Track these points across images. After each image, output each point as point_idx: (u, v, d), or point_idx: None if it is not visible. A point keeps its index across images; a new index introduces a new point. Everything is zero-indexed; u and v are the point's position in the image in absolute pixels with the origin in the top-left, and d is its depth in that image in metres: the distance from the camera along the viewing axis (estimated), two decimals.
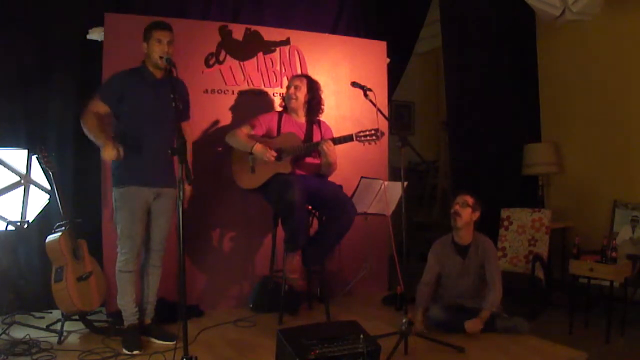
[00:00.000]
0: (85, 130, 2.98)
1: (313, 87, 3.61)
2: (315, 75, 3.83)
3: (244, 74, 4.01)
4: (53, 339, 3.10)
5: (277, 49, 4.13)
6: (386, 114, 3.99)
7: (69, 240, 3.16)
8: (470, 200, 3.36)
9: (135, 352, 2.89)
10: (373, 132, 3.37)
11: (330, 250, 3.59)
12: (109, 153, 2.88)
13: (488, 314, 3.20)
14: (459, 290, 3.38)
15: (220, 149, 3.81)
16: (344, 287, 4.24)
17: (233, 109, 3.97)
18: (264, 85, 4.08)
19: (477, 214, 3.38)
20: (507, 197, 4.83)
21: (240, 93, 4.00)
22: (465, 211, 3.34)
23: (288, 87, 3.66)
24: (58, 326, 3.17)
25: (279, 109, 3.80)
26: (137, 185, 2.97)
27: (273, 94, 4.10)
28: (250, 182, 3.51)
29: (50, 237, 3.16)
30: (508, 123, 5.07)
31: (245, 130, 3.53)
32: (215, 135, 3.85)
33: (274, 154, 3.37)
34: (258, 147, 3.37)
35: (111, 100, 2.97)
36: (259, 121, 3.58)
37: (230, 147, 3.57)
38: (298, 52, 4.18)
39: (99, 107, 2.99)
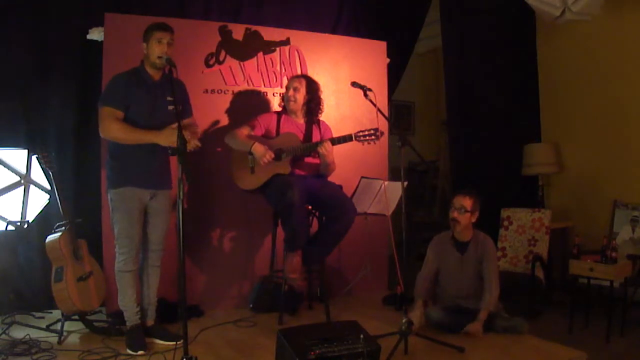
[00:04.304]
0: (125, 140, 2.90)
1: (312, 88, 3.60)
2: (315, 75, 3.83)
3: (244, 74, 4.01)
4: (53, 339, 3.09)
5: (277, 49, 4.13)
6: (386, 114, 3.99)
7: (69, 240, 3.16)
8: (467, 203, 3.31)
9: (139, 353, 2.89)
10: (372, 131, 3.36)
11: (330, 250, 3.58)
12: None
13: (486, 314, 3.20)
14: (457, 290, 3.38)
15: (219, 149, 3.81)
16: (344, 287, 4.24)
17: (233, 109, 3.97)
18: (264, 85, 4.09)
19: (476, 215, 3.36)
20: (507, 197, 4.83)
21: (240, 93, 4.00)
22: (464, 217, 3.31)
23: (287, 89, 3.65)
24: (58, 326, 3.17)
25: (278, 109, 3.80)
26: (132, 186, 2.96)
27: (273, 94, 4.10)
28: (250, 183, 3.50)
29: (50, 237, 3.16)
30: (508, 123, 5.07)
31: (244, 130, 3.52)
32: (215, 135, 3.85)
33: (272, 155, 3.36)
34: (257, 147, 3.36)
35: (122, 105, 2.91)
36: (258, 122, 3.58)
37: (230, 147, 3.57)
38: (298, 52, 4.18)
39: (117, 114, 2.90)
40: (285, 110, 3.67)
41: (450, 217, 3.37)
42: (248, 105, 3.98)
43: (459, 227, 3.34)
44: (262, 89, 4.08)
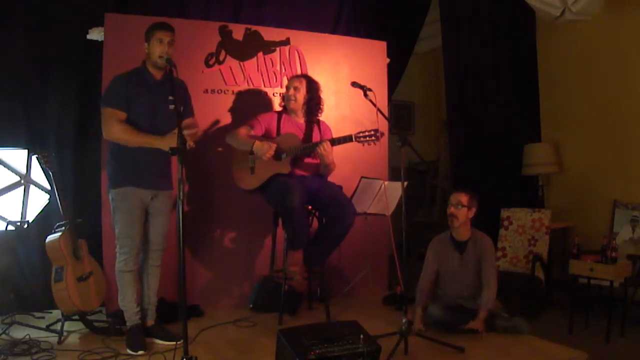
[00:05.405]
0: (128, 142, 2.91)
1: (312, 88, 3.61)
2: (315, 75, 3.83)
3: (244, 74, 4.01)
4: (53, 339, 3.09)
5: (277, 49, 4.13)
6: (386, 114, 3.99)
7: (69, 240, 3.16)
8: (464, 199, 3.36)
9: (140, 352, 2.89)
10: (372, 132, 3.36)
11: (330, 251, 3.59)
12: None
13: (486, 313, 3.20)
14: (459, 290, 3.38)
15: (220, 149, 3.81)
16: (344, 287, 4.24)
17: (233, 109, 3.97)
18: (264, 85, 4.09)
19: (473, 211, 3.38)
20: (507, 197, 4.83)
21: (240, 93, 4.00)
22: (461, 212, 3.34)
23: (287, 88, 3.65)
24: (58, 326, 3.17)
25: (278, 108, 3.80)
26: (133, 186, 2.97)
27: (273, 94, 4.10)
28: (250, 183, 3.51)
29: (50, 237, 3.16)
30: (508, 123, 5.07)
31: (244, 130, 3.53)
32: (216, 135, 3.86)
33: (273, 150, 3.36)
34: (258, 144, 3.37)
35: (123, 105, 2.91)
36: (258, 121, 3.58)
37: (231, 147, 3.57)
38: (298, 52, 4.18)
39: (119, 115, 2.90)
40: (285, 109, 3.67)
41: (447, 214, 3.39)
42: (248, 105, 3.97)
43: (456, 222, 3.35)
44: (262, 89, 4.08)
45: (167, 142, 2.84)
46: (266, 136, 3.56)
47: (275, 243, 3.70)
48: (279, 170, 3.43)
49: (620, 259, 3.60)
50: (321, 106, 3.67)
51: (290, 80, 3.71)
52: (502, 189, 4.91)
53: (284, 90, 3.87)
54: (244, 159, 3.47)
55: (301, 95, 3.58)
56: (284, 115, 3.64)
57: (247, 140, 3.43)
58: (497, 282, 3.31)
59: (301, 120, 3.64)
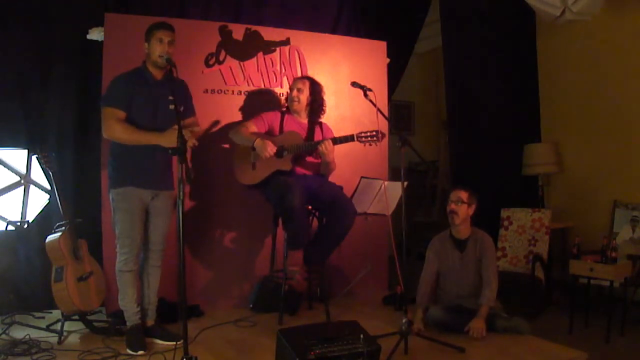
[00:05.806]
0: (128, 141, 2.91)
1: (315, 90, 3.63)
2: (315, 76, 3.84)
3: (244, 74, 4.01)
4: (53, 339, 3.09)
5: (277, 49, 4.13)
6: (386, 114, 3.99)
7: (69, 240, 3.16)
8: (464, 195, 3.37)
9: (139, 352, 2.89)
10: (374, 133, 3.38)
11: (330, 251, 3.59)
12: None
13: (487, 310, 3.20)
14: (459, 289, 3.38)
15: (227, 145, 3.81)
16: (344, 287, 4.24)
17: (234, 108, 3.97)
18: (264, 85, 4.08)
19: (472, 208, 3.40)
20: (507, 197, 4.83)
21: (241, 93, 4.00)
22: (461, 208, 3.36)
23: (291, 90, 3.67)
24: (58, 326, 3.17)
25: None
26: (133, 186, 2.97)
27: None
28: (251, 178, 3.51)
29: (50, 237, 3.16)
30: (508, 123, 5.07)
31: (248, 126, 3.54)
32: (216, 136, 3.86)
33: (273, 150, 3.37)
34: (259, 142, 3.39)
35: (123, 105, 2.91)
36: (261, 119, 3.59)
37: (233, 143, 3.58)
38: (298, 52, 4.18)
39: (119, 114, 2.90)
40: (288, 110, 3.68)
41: (448, 211, 3.40)
42: (249, 104, 3.98)
43: (457, 219, 3.36)
44: (263, 88, 4.08)
45: (167, 139, 2.85)
46: (269, 134, 3.57)
47: (275, 243, 3.70)
48: (280, 166, 3.44)
49: (620, 259, 3.61)
50: (324, 107, 3.68)
51: (293, 81, 3.72)
52: (502, 189, 4.91)
53: (283, 90, 3.87)
54: (246, 154, 3.48)
55: (304, 97, 3.60)
56: (286, 115, 3.66)
57: (250, 137, 3.44)
58: (498, 281, 3.31)
59: (304, 120, 3.65)
